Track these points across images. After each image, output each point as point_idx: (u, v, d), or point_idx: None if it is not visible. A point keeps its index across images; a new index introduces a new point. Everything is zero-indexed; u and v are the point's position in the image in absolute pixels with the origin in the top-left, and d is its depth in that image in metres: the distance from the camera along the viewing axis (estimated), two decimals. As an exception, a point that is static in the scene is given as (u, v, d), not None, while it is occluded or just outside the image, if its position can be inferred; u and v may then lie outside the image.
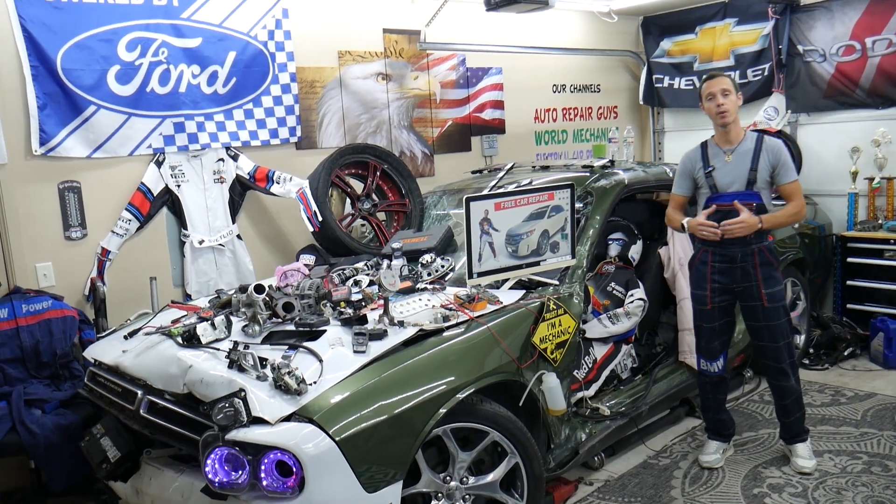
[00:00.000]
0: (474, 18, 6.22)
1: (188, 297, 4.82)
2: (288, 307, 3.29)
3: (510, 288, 3.74)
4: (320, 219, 4.53)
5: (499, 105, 6.54)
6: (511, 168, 4.93)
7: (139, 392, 3.15)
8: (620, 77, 7.66)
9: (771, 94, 6.58)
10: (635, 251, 4.78)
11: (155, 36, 4.65)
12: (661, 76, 7.41)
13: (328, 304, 3.42)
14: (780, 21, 6.43)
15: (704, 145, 3.98)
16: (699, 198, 3.99)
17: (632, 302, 4.50)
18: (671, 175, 4.76)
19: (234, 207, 5.00)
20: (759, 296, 3.81)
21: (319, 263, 4.52)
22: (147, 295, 4.54)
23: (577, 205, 4.22)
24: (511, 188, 4.54)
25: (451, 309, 3.35)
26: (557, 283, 3.83)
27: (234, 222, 4.99)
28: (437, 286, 3.74)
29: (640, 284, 4.59)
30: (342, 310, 3.29)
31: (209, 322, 3.25)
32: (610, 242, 4.79)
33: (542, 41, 6.72)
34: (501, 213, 3.65)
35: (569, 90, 7.17)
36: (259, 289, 3.22)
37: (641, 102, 7.58)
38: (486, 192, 4.57)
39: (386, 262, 4.12)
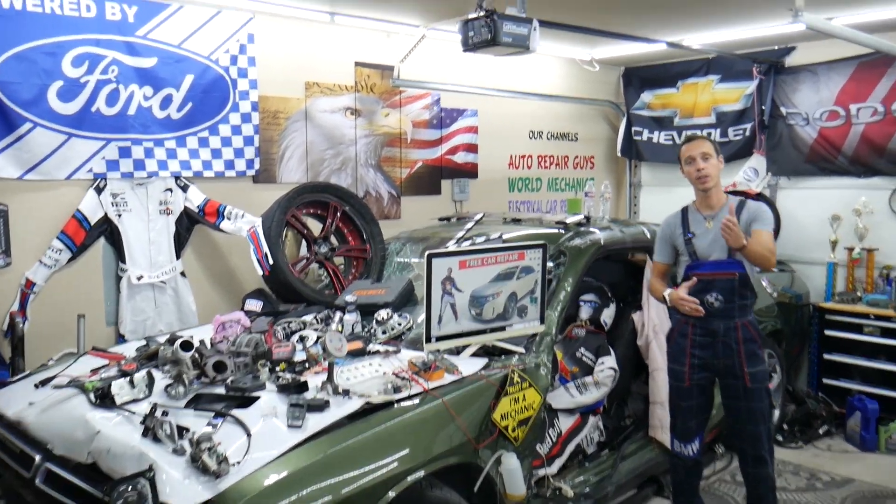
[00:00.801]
0: (451, 58, 5.96)
1: (121, 337, 4.39)
2: (219, 367, 2.91)
3: (472, 355, 3.40)
4: (271, 261, 4.16)
5: (472, 148, 6.27)
6: (481, 219, 4.62)
7: (37, 457, 2.73)
8: (599, 127, 7.46)
9: (752, 155, 6.42)
10: (608, 315, 4.48)
11: (105, 52, 4.29)
12: (641, 129, 7.22)
13: (267, 365, 3.05)
14: (764, 81, 6.29)
15: (685, 211, 3.73)
16: (679, 266, 3.72)
17: (602, 371, 4.19)
18: (649, 236, 4.50)
19: (180, 242, 4.61)
20: (741, 374, 3.53)
21: (267, 310, 4.15)
22: (75, 333, 4.11)
23: (549, 264, 3.92)
24: (479, 241, 4.24)
25: (403, 378, 2.99)
26: (524, 351, 3.50)
27: (178, 258, 4.59)
28: (392, 348, 3.38)
29: (612, 351, 4.29)
30: (280, 373, 2.92)
31: (128, 378, 2.86)
32: (581, 304, 4.49)
33: (520, 85, 6.49)
34: (466, 273, 3.32)
35: (545, 137, 6.93)
36: (186, 346, 2.84)
37: (619, 154, 7.38)
38: (453, 243, 4.28)
39: (339, 314, 3.77)
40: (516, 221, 4.59)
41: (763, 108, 6.29)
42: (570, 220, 4.35)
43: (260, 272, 4.22)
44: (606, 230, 4.35)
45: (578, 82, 7.06)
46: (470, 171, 6.27)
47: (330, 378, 2.87)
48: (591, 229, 4.30)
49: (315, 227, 4.69)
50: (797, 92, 6.14)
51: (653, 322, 4.43)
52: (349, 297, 3.69)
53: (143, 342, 3.55)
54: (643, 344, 4.45)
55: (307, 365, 3.11)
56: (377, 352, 3.28)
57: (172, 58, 4.54)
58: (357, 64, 5.45)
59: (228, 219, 4.51)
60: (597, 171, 7.46)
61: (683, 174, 3.67)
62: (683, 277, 3.64)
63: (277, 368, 3.04)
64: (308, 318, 3.69)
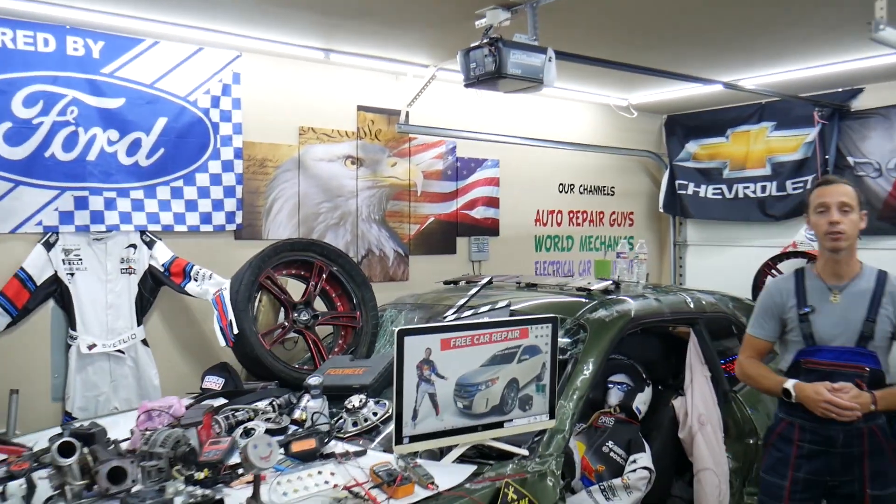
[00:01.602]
0: (468, 102, 5.36)
1: (67, 416, 3.78)
2: (116, 476, 2.23)
3: (458, 459, 2.66)
4: (236, 331, 3.52)
5: (493, 202, 5.60)
6: (488, 283, 3.91)
7: None
8: (638, 180, 6.74)
9: (814, 212, 5.58)
10: (642, 400, 3.69)
11: (64, 91, 3.81)
12: (686, 182, 6.48)
13: (183, 471, 2.36)
14: (826, 127, 5.51)
15: (801, 275, 2.90)
16: (784, 347, 2.93)
17: (634, 471, 3.39)
18: (692, 306, 3.73)
19: (143, 306, 4.03)
20: (861, 497, 2.68)
21: (229, 389, 3.49)
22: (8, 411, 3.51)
23: (564, 341, 3.18)
24: (483, 310, 3.52)
25: (357, 495, 2.27)
26: (527, 453, 2.74)
27: (140, 324, 4.00)
28: (357, 447, 2.67)
29: (647, 447, 3.48)
30: (191, 490, 2.22)
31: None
32: (610, 387, 3.71)
33: (548, 133, 5.84)
34: (451, 354, 2.60)
35: (577, 191, 6.24)
36: (66, 450, 2.17)
37: (661, 210, 6.63)
38: (452, 313, 3.57)
39: (307, 398, 3.07)
40: (531, 287, 3.87)
41: (827, 157, 5.50)
42: (596, 286, 3.61)
43: (222, 343, 3.57)
44: (639, 299, 3.60)
45: (615, 130, 6.38)
46: (490, 228, 5.59)
47: (255, 495, 2.16)
48: (621, 297, 3.55)
49: (299, 290, 4.04)
50: (867, 139, 5.35)
51: (698, 410, 3.61)
52: (313, 379, 3.00)
53: (59, 431, 2.90)
54: (686, 437, 3.62)
55: (241, 471, 2.41)
56: (331, 455, 2.56)
57: (143, 98, 4.04)
58: (360, 108, 4.89)
59: (195, 280, 3.91)
60: (636, 229, 6.70)
61: (808, 224, 2.88)
62: (792, 364, 2.84)
63: (198, 475, 2.34)
64: (262, 404, 3.00)
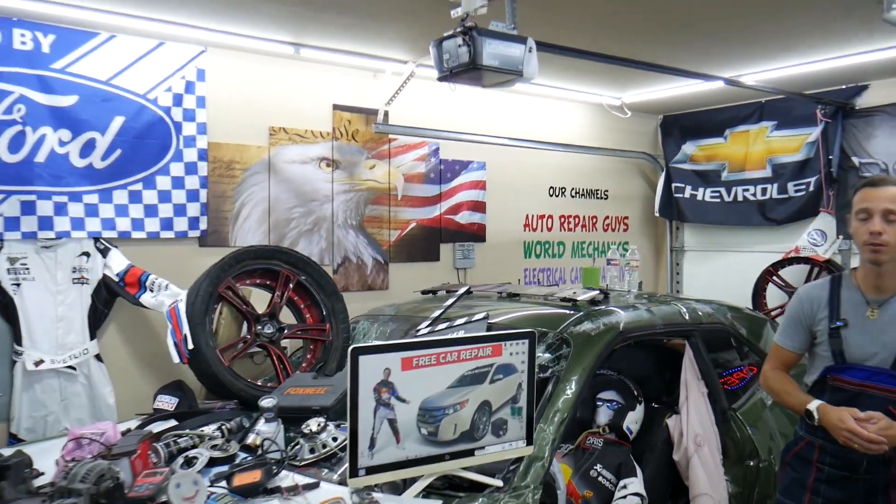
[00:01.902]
0: (452, 100, 5.09)
1: (12, 438, 3.50)
2: (23, 519, 1.94)
3: (422, 492, 2.37)
4: (191, 346, 3.23)
5: (479, 207, 5.32)
6: (465, 293, 3.62)
7: None
8: (633, 183, 6.46)
9: (818, 215, 5.32)
10: (633, 420, 3.41)
11: (10, 88, 3.54)
12: (682, 185, 6.20)
13: (105, 511, 2.07)
14: (829, 126, 5.24)
15: (836, 283, 2.57)
16: (811, 359, 2.63)
17: (624, 497, 3.12)
18: (688, 318, 3.44)
19: (97, 318, 3.75)
20: None
21: (183, 409, 3.20)
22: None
23: (545, 357, 2.90)
24: (459, 323, 3.24)
25: (300, 539, 1.98)
26: (502, 483, 2.46)
27: (93, 338, 3.72)
28: (310, 479, 2.38)
29: (638, 471, 3.21)
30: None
31: None
32: (598, 404, 3.44)
33: (537, 133, 5.57)
34: (413, 375, 2.32)
35: (569, 194, 5.96)
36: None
37: (657, 214, 6.35)
38: (426, 326, 3.30)
39: (262, 422, 2.79)
40: (513, 297, 3.58)
41: (830, 158, 5.22)
42: (582, 296, 3.32)
43: (176, 359, 3.29)
44: (629, 310, 3.32)
45: (608, 132, 6.11)
46: (476, 234, 5.31)
47: (179, 543, 1.88)
48: (610, 308, 3.27)
49: (266, 301, 3.76)
50: (872, 138, 5.07)
51: (694, 430, 3.33)
52: (267, 401, 2.71)
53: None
54: (681, 459, 3.34)
55: (174, 509, 2.12)
56: (277, 489, 2.27)
57: (98, 96, 3.77)
58: (336, 107, 4.62)
59: (151, 290, 3.63)
60: (631, 234, 6.43)
61: (850, 231, 2.60)
62: (818, 379, 2.55)
63: (124, 516, 2.06)
64: (210, 428, 2.71)
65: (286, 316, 3.78)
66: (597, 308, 3.22)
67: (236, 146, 4.23)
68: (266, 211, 4.34)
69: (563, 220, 5.92)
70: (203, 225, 4.10)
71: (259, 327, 3.59)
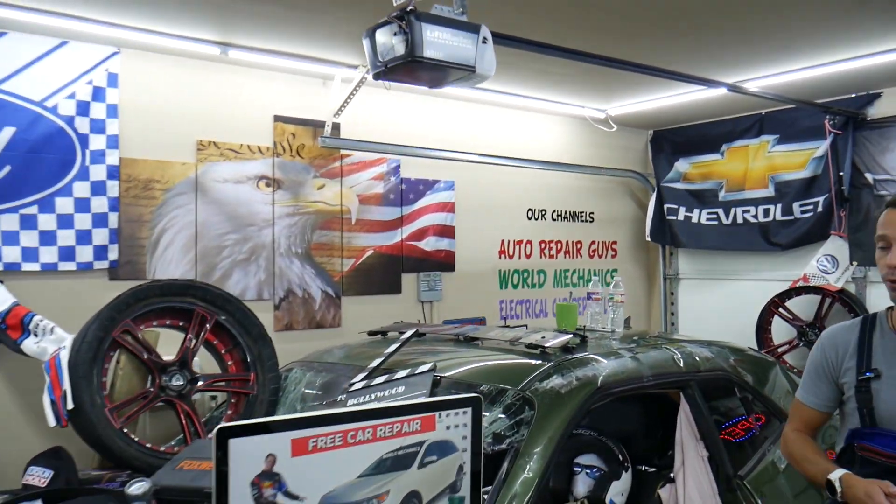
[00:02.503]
0: (416, 112, 4.55)
1: None
2: None
3: None
4: (70, 405, 2.62)
5: (447, 232, 4.73)
6: (412, 337, 3.00)
7: None
8: (621, 204, 5.89)
9: (828, 238, 4.74)
10: (618, 490, 2.78)
11: None
12: (676, 206, 5.63)
13: None
14: (839, 139, 4.68)
15: (869, 325, 2.05)
16: (841, 420, 2.09)
17: (608, 593, 2.49)
18: (682, 366, 2.84)
19: (-26, 368, 3.12)
20: None
21: (58, 486, 2.57)
22: None
23: (501, 421, 2.29)
24: (399, 377, 2.62)
25: None
26: None
27: (-31, 392, 3.09)
28: None
29: (625, 557, 2.59)
30: None
31: None
32: (576, 471, 2.81)
33: (513, 150, 5.00)
34: (310, 462, 1.70)
35: (550, 217, 5.38)
36: None
37: (649, 239, 5.76)
38: (360, 380, 2.69)
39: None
40: (471, 342, 2.96)
41: (841, 174, 4.66)
42: (553, 342, 2.70)
43: (52, 422, 2.67)
44: (612, 358, 2.71)
45: (593, 148, 5.55)
46: (443, 262, 4.71)
47: None
48: (587, 357, 2.67)
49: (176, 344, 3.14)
50: (888, 151, 4.52)
51: (692, 502, 2.72)
52: (136, 487, 2.08)
53: None
54: (678, 539, 2.73)
55: None
56: None
57: (-19, 103, 3.18)
58: (277, 118, 4.04)
59: (35, 335, 3.02)
60: (620, 261, 5.84)
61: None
62: (844, 447, 2.02)
63: None
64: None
65: (208, 364, 3.19)
66: (570, 357, 2.61)
67: (156, 163, 3.64)
68: (192, 237, 3.74)
69: (543, 245, 5.32)
70: (113, 254, 3.49)
71: (165, 379, 2.97)
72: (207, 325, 3.09)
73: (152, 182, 3.63)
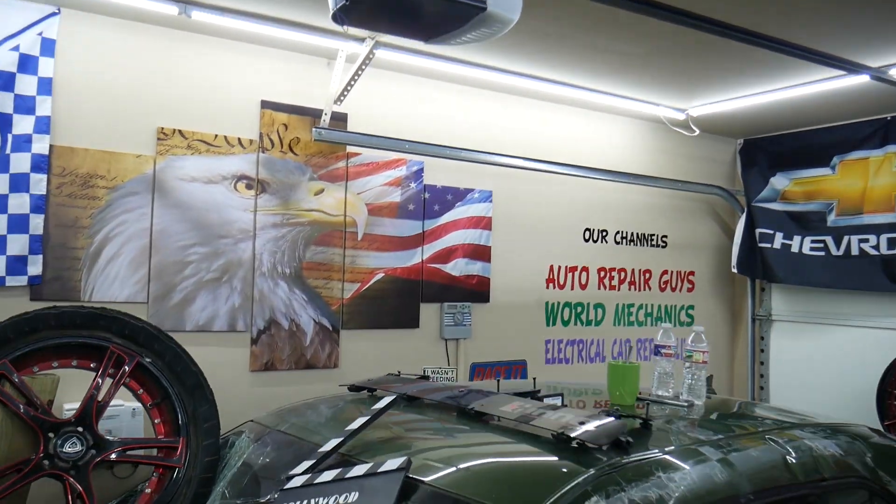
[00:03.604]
0: (444, 102, 3.69)
1: None
2: None
3: None
4: None
5: (481, 253, 3.82)
6: (388, 407, 2.05)
7: None
8: (701, 227, 4.86)
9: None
10: None
11: None
12: (770, 231, 4.56)
13: None
14: None
15: None
16: None
17: None
18: (797, 473, 1.85)
19: None
20: None
21: None
22: None
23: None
24: (355, 473, 1.72)
25: None
26: None
27: None
28: None
29: None
30: None
31: None
32: None
33: (567, 155, 4.07)
34: None
35: (612, 240, 4.39)
36: None
37: (735, 270, 4.70)
38: (295, 480, 1.80)
39: None
40: (477, 418, 2.01)
41: None
42: (596, 429, 1.74)
43: None
44: (691, 461, 1.73)
45: (668, 157, 4.57)
46: (475, 291, 3.80)
47: None
48: (651, 458, 1.70)
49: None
50: None
51: None
52: None
53: None
54: None
55: None
56: None
57: None
58: (265, 105, 3.23)
59: None
60: (697, 296, 4.79)
61: None
62: None
63: None
64: None
65: (120, 421, 2.36)
66: (623, 462, 1.64)
67: (101, 154, 2.87)
68: (145, 250, 2.94)
69: (602, 274, 4.34)
70: (35, 268, 2.72)
71: (58, 443, 2.15)
72: (126, 368, 2.27)
73: (94, 178, 2.85)
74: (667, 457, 1.71)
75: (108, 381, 2.26)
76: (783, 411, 2.48)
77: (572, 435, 1.68)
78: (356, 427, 1.88)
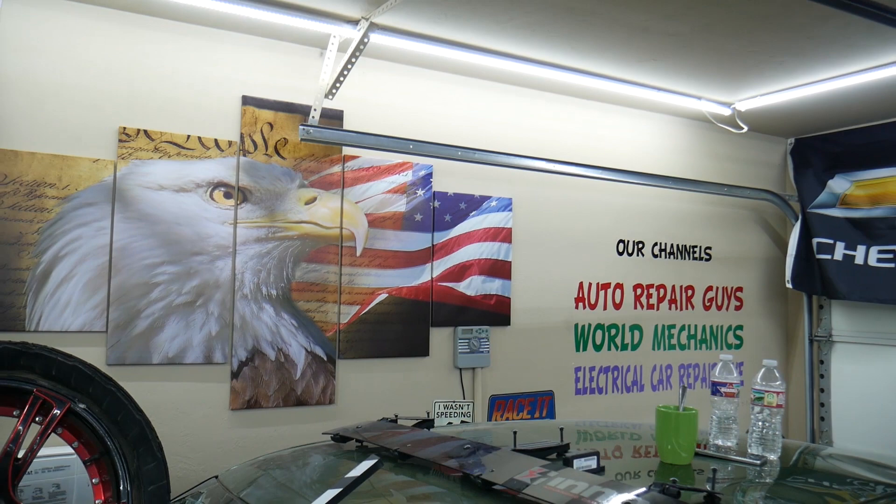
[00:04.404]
0: (456, 97, 3.24)
1: None
2: None
3: None
4: None
5: (500, 269, 3.35)
6: (372, 471, 1.58)
7: None
8: (750, 237, 4.33)
9: None
10: None
11: None
12: (830, 241, 4.03)
13: None
14: None
15: None
16: None
17: None
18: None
19: None
20: None
21: None
22: None
23: None
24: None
25: None
26: None
27: None
28: None
29: None
30: None
31: None
32: None
33: (598, 156, 3.59)
34: None
35: (649, 252, 3.90)
36: None
37: (789, 286, 4.16)
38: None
39: None
40: (484, 489, 1.53)
41: None
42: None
43: None
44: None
45: (711, 159, 4.07)
46: (493, 313, 3.32)
47: None
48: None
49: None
50: None
51: None
52: None
53: None
54: None
55: None
56: None
57: None
58: (247, 101, 2.81)
59: None
60: (746, 315, 4.26)
61: None
62: None
63: None
64: None
65: (77, 474, 1.93)
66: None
67: (51, 158, 2.46)
68: (104, 270, 2.52)
69: (639, 291, 3.84)
70: (-32, 294, 2.31)
71: (-40, 515, 1.72)
72: (56, 413, 1.83)
73: (42, 186, 2.45)
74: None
75: (37, 431, 1.84)
76: (890, 469, 1.94)
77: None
78: (327, 499, 1.41)
